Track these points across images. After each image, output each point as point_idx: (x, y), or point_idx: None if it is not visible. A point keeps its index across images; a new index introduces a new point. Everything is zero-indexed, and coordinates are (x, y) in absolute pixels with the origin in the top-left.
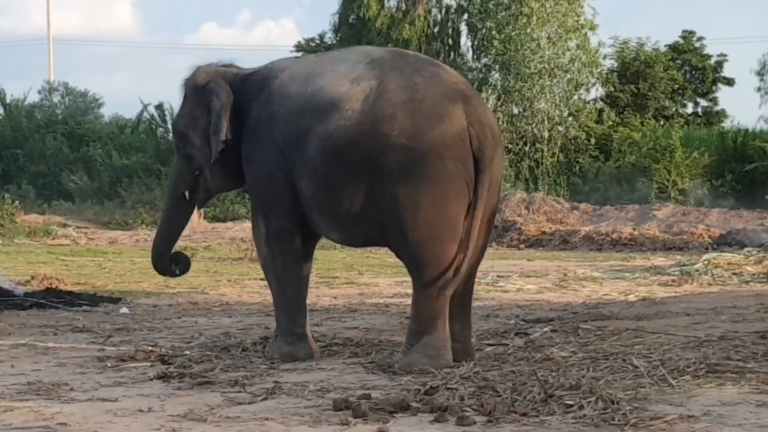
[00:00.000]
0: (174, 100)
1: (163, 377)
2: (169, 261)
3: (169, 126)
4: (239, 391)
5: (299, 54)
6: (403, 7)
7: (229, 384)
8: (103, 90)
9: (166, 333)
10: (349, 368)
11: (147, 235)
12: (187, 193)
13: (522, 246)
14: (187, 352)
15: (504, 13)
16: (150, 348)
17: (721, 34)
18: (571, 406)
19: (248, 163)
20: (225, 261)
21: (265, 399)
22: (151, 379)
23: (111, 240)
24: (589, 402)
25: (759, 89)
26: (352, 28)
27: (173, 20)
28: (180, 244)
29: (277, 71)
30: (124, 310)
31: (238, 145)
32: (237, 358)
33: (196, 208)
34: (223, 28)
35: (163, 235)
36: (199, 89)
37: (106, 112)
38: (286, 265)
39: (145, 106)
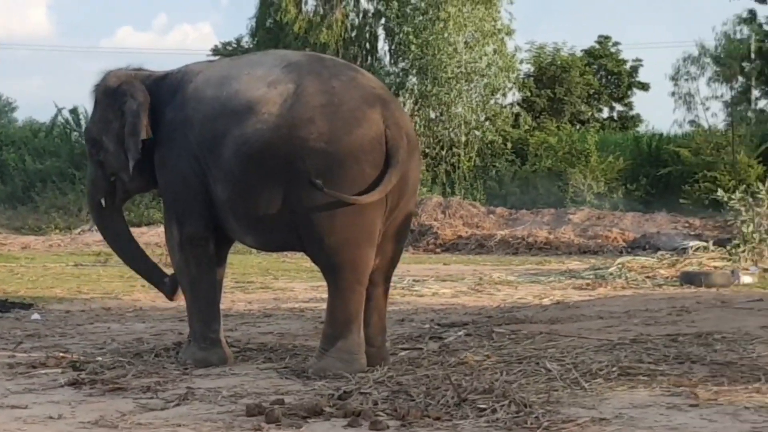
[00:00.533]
0: (89, 104)
1: (75, 384)
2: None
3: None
4: (151, 398)
5: (216, 58)
6: (321, 11)
7: (142, 390)
8: (16, 94)
9: (78, 339)
10: (263, 373)
11: (60, 240)
12: (103, 201)
13: (438, 250)
14: (99, 359)
15: (421, 17)
16: (61, 354)
17: (636, 39)
18: (485, 409)
19: (161, 168)
20: None
21: (178, 405)
22: (62, 386)
23: (23, 245)
24: (502, 406)
25: (673, 94)
26: (269, 32)
27: (89, 24)
28: (94, 249)
29: (191, 75)
30: (36, 316)
31: (151, 148)
32: (149, 364)
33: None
34: (139, 31)
35: (123, 253)
36: (110, 93)
37: (20, 116)
38: (199, 270)
39: (59, 110)
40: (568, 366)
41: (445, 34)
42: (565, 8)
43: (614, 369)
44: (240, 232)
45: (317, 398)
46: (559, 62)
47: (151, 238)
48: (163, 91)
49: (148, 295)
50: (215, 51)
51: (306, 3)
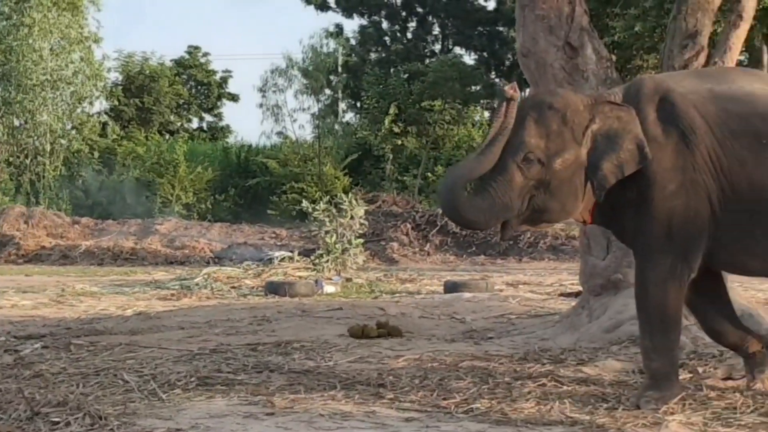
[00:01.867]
0: None
1: None
2: None
3: None
4: None
5: None
6: None
7: None
8: None
9: None
10: None
11: None
12: None
13: (20, 261)
14: None
15: (5, 22)
16: None
17: (226, 50)
18: (58, 423)
19: None
20: None
21: None
22: None
23: None
24: (77, 418)
25: (261, 105)
26: None
27: None
28: None
29: None
30: None
31: None
32: None
33: None
34: None
35: None
36: None
37: None
38: None
39: None
40: (147, 377)
41: (30, 40)
42: (154, 17)
43: (193, 379)
44: None
45: None
46: (147, 71)
47: None
48: None
49: None
50: None
51: None
